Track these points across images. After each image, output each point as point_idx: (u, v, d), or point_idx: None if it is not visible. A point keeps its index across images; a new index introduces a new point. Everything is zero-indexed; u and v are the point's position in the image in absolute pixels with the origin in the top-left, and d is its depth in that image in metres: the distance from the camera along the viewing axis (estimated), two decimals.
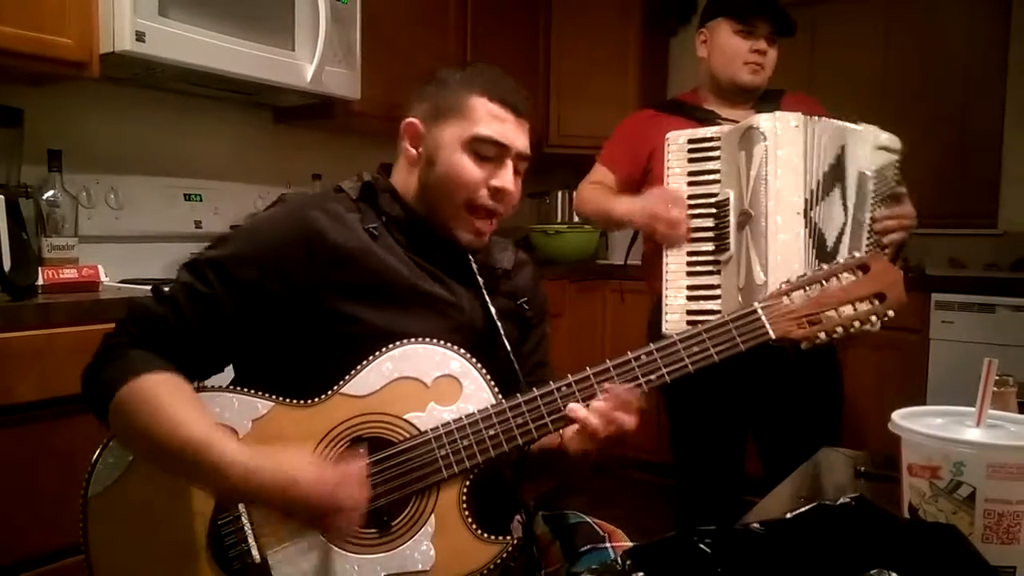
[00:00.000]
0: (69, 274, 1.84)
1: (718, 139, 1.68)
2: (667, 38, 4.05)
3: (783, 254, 1.55)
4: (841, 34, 3.66)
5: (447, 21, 3.07)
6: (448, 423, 0.99)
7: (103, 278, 1.92)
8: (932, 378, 2.93)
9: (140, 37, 1.87)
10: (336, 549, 0.97)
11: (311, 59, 2.31)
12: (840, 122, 1.63)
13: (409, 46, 2.83)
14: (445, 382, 1.01)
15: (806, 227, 1.57)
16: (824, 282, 1.05)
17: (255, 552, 0.97)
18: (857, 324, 1.04)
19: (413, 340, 1.02)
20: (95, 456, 1.02)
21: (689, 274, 1.69)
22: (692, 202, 1.70)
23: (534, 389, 1.01)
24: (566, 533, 1.17)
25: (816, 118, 1.60)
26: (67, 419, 1.54)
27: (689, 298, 1.69)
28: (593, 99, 3.61)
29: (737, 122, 1.67)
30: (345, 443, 1.00)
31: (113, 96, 2.26)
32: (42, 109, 2.07)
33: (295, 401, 1.01)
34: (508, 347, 1.13)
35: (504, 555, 0.96)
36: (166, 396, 0.96)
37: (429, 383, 1.01)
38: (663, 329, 1.65)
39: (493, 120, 1.10)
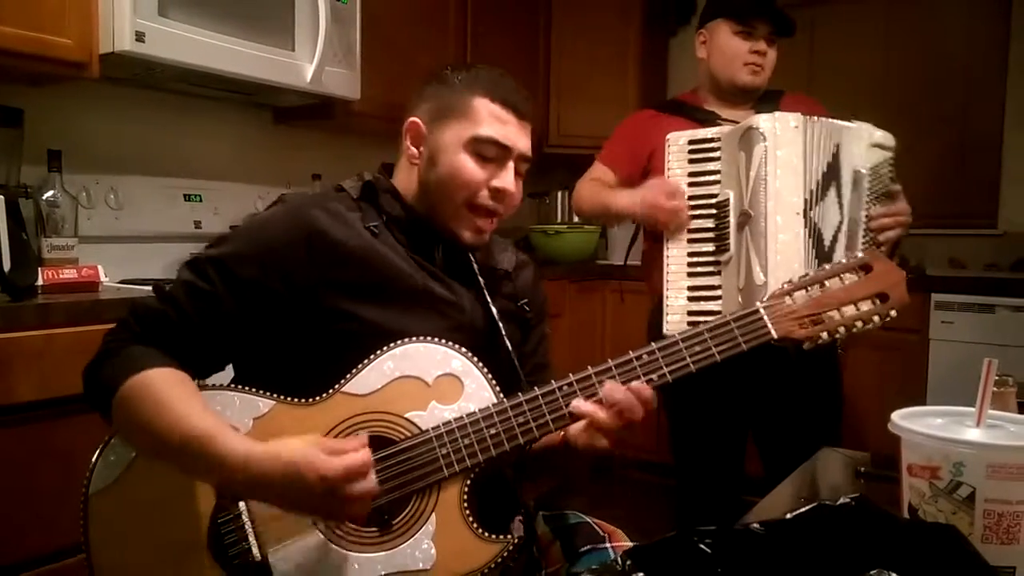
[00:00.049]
0: (69, 274, 1.84)
1: (718, 140, 1.69)
2: (667, 38, 4.06)
3: (783, 254, 1.55)
4: (841, 34, 3.66)
5: (447, 21, 3.07)
6: (449, 422, 0.99)
7: (103, 278, 1.92)
8: (932, 378, 2.93)
9: (140, 37, 1.87)
10: (336, 547, 0.97)
11: (311, 59, 2.31)
12: (834, 120, 1.63)
13: (409, 46, 2.83)
14: (446, 381, 1.01)
15: (806, 227, 1.57)
16: (826, 282, 1.05)
17: (255, 550, 0.97)
18: (859, 324, 1.04)
19: (414, 339, 1.02)
20: (96, 455, 1.03)
21: (690, 275, 1.70)
22: (692, 203, 1.70)
23: (535, 388, 1.01)
24: (566, 533, 1.17)
25: (815, 118, 1.60)
26: (67, 419, 1.54)
27: (690, 299, 1.69)
28: (593, 99, 3.61)
29: (737, 123, 1.67)
30: None
31: (113, 96, 2.26)
32: (42, 109, 2.07)
33: (296, 400, 1.01)
34: (509, 347, 1.13)
35: (505, 554, 0.96)
36: (169, 390, 0.96)
37: (430, 382, 1.01)
38: (664, 330, 1.66)
39: (495, 121, 1.10)
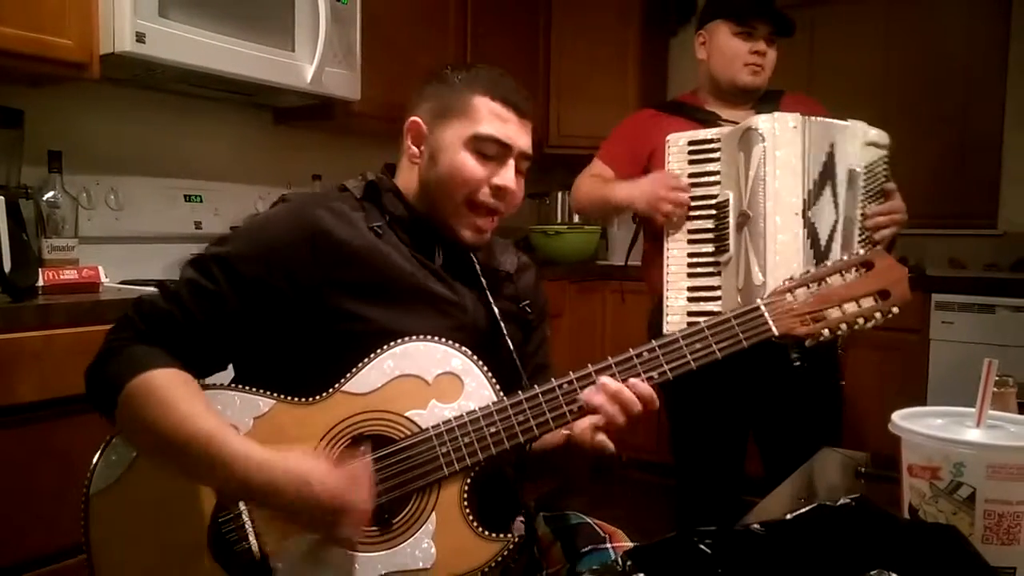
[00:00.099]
0: (69, 275, 1.84)
1: (718, 141, 1.69)
2: (667, 38, 4.06)
3: (782, 254, 1.55)
4: (841, 34, 3.66)
5: (447, 21, 3.07)
6: (449, 420, 0.99)
7: (103, 279, 1.91)
8: (932, 378, 2.93)
9: (140, 38, 1.87)
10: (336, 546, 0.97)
11: (311, 60, 2.31)
12: (829, 120, 1.63)
13: (409, 46, 2.83)
14: (446, 379, 1.01)
15: (804, 227, 1.58)
16: (827, 279, 1.05)
17: (256, 549, 0.97)
18: (861, 321, 1.04)
19: (414, 337, 1.02)
20: (97, 455, 1.02)
21: (690, 275, 1.70)
22: (693, 203, 1.70)
23: (536, 386, 1.01)
24: (567, 534, 1.17)
25: (812, 118, 1.60)
26: (67, 419, 1.54)
27: (690, 299, 1.69)
28: (593, 99, 3.61)
29: (738, 123, 1.67)
30: (346, 441, 1.00)
31: (113, 97, 2.26)
32: (42, 110, 2.07)
33: (296, 399, 1.01)
34: (511, 346, 1.13)
35: (505, 553, 0.96)
36: (174, 391, 0.96)
37: (430, 380, 1.01)
38: (664, 330, 1.65)
39: (495, 119, 1.10)
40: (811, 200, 1.58)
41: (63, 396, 1.53)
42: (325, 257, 1.04)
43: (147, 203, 2.32)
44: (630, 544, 1.14)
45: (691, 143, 1.72)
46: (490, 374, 1.02)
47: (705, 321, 1.03)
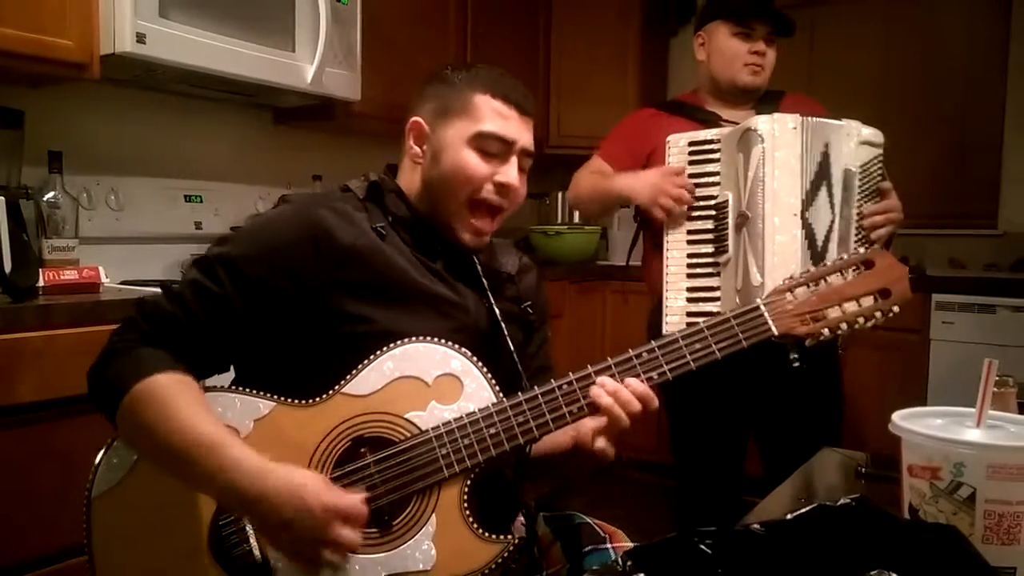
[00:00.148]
0: (70, 275, 1.84)
1: (718, 141, 1.69)
2: (667, 38, 4.06)
3: (780, 255, 1.55)
4: (840, 34, 3.66)
5: (447, 21, 3.07)
6: (449, 422, 0.99)
7: (104, 279, 1.92)
8: (932, 378, 2.93)
9: (140, 38, 1.88)
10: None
11: (311, 60, 2.31)
12: (823, 119, 1.63)
13: (409, 46, 2.83)
14: (446, 381, 1.01)
15: (803, 228, 1.58)
16: (827, 278, 1.05)
17: (256, 552, 0.97)
18: (861, 320, 1.04)
19: (414, 339, 1.02)
20: (98, 457, 1.03)
21: (689, 276, 1.70)
22: (692, 204, 1.70)
23: (535, 387, 1.01)
24: (567, 534, 1.17)
25: (811, 118, 1.60)
26: (68, 420, 1.54)
27: (689, 300, 1.69)
28: (593, 99, 3.61)
29: (739, 123, 1.67)
30: (346, 443, 1.00)
31: (114, 97, 2.26)
32: (43, 110, 2.07)
33: (297, 401, 1.01)
34: (512, 348, 1.13)
35: (505, 555, 0.96)
36: (176, 396, 0.96)
37: (430, 382, 1.01)
38: (663, 331, 1.66)
39: (497, 116, 1.11)
40: (808, 201, 1.58)
41: (64, 397, 1.53)
42: (327, 257, 1.04)
43: (147, 203, 2.32)
44: (630, 544, 1.14)
45: (691, 143, 1.72)
46: (490, 375, 1.02)
47: (704, 321, 1.03)
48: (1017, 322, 2.80)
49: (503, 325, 1.14)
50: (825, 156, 1.60)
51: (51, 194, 1.97)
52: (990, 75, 3.41)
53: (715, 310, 1.64)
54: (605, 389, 0.99)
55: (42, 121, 2.06)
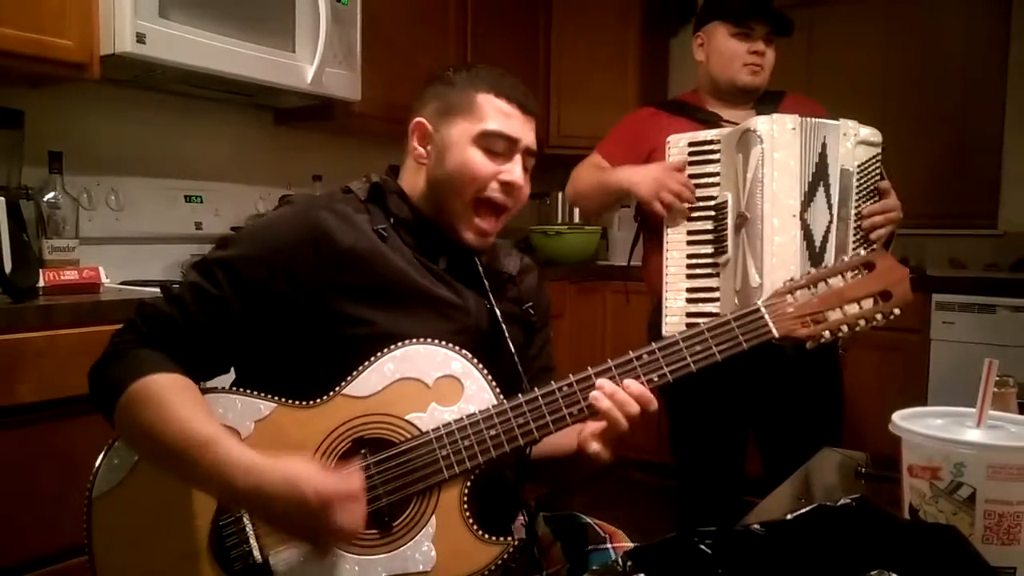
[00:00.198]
0: (70, 276, 1.85)
1: (718, 142, 1.69)
2: (667, 38, 4.06)
3: (779, 256, 1.55)
4: (840, 34, 3.66)
5: (447, 21, 3.08)
6: (449, 423, 0.99)
7: (104, 280, 1.92)
8: (933, 378, 2.93)
9: (141, 39, 1.88)
10: (336, 550, 0.97)
11: (311, 60, 2.31)
12: (820, 119, 1.63)
13: (409, 47, 2.83)
14: (446, 382, 1.01)
15: (802, 229, 1.58)
16: (828, 280, 1.05)
17: (256, 553, 0.97)
18: (862, 322, 1.04)
19: (415, 341, 1.02)
20: (99, 458, 1.03)
21: (689, 276, 1.70)
22: (692, 205, 1.70)
23: (535, 389, 1.01)
24: (567, 534, 1.17)
25: (810, 119, 1.60)
26: (68, 420, 1.54)
27: (688, 300, 1.69)
28: (593, 99, 3.61)
29: (739, 124, 1.67)
30: (347, 444, 1.00)
31: (114, 98, 2.26)
32: (43, 111, 2.07)
33: (297, 402, 1.01)
34: (513, 350, 1.13)
35: (505, 556, 0.96)
36: (173, 396, 0.96)
37: (430, 384, 1.01)
38: (663, 331, 1.66)
39: (501, 115, 1.11)
40: (807, 201, 1.58)
41: (64, 397, 1.53)
42: (328, 260, 1.04)
43: (147, 204, 2.32)
44: (630, 544, 1.14)
45: (691, 144, 1.72)
46: (490, 377, 1.02)
47: (705, 323, 1.03)
48: (1017, 322, 2.80)
49: (504, 326, 1.14)
50: (822, 156, 1.60)
51: (51, 194, 1.97)
52: (990, 75, 3.41)
53: (714, 311, 1.64)
54: (604, 392, 0.99)
55: (42, 121, 2.06)
